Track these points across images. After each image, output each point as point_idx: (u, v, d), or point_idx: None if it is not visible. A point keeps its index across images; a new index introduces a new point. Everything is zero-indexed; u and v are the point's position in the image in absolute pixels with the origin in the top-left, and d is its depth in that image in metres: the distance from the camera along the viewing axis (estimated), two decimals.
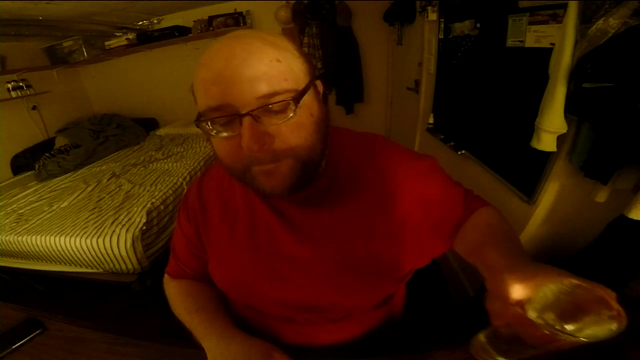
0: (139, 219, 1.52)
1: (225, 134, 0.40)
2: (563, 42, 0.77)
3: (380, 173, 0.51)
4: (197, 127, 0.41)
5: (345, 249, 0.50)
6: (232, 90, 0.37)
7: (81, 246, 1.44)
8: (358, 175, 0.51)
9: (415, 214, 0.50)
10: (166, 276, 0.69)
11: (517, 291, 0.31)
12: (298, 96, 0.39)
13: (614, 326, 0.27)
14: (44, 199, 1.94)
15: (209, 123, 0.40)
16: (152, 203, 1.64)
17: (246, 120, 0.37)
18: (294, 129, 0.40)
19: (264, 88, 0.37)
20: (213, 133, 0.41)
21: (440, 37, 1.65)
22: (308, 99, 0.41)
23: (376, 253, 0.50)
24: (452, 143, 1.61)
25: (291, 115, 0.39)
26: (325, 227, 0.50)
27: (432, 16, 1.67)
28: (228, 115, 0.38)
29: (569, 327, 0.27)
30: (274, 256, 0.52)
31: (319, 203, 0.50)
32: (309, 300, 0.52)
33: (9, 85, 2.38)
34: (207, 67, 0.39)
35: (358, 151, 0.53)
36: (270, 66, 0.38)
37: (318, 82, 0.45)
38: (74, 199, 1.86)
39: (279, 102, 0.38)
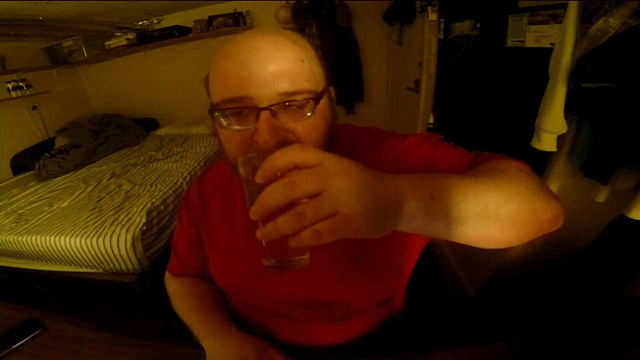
0: (139, 219, 1.52)
1: (237, 127, 0.40)
2: (563, 42, 0.77)
3: (374, 161, 0.50)
4: (210, 115, 0.41)
5: (349, 243, 0.49)
6: (254, 83, 0.37)
7: (81, 246, 1.44)
8: None
9: None
10: (167, 274, 0.71)
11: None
12: (317, 97, 0.40)
13: None
14: (44, 199, 1.94)
15: (222, 114, 0.40)
16: (152, 203, 1.64)
17: (264, 114, 0.37)
18: (309, 130, 0.41)
19: (286, 85, 0.38)
20: (225, 124, 0.40)
21: (440, 37, 1.65)
22: (323, 103, 0.43)
23: (377, 241, 0.49)
24: (452, 143, 1.60)
25: (309, 114, 0.40)
26: None
27: (432, 16, 1.67)
28: (246, 107, 0.39)
29: None
30: None
31: None
32: (307, 295, 0.52)
33: (9, 85, 2.38)
34: (231, 58, 0.39)
35: (354, 144, 0.53)
36: (295, 65, 0.39)
37: (331, 88, 0.47)
38: (74, 199, 1.86)
39: (300, 99, 0.39)
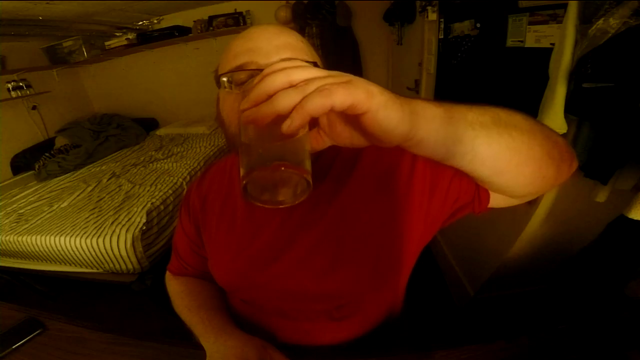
0: (139, 219, 1.52)
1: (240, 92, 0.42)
2: (563, 42, 0.77)
3: (378, 154, 0.51)
4: (216, 83, 0.45)
5: (346, 231, 0.50)
6: (260, 53, 0.42)
7: (81, 246, 1.44)
8: (358, 157, 0.52)
9: (417, 184, 0.48)
10: (168, 273, 0.71)
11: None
12: (318, 66, 0.44)
13: None
14: (44, 199, 1.94)
15: (228, 79, 0.43)
16: (152, 203, 1.64)
17: None
18: None
19: (288, 53, 0.43)
20: (228, 87, 0.44)
21: (440, 37, 1.65)
22: None
23: (379, 234, 0.49)
24: None
25: None
26: (325, 210, 0.50)
27: (432, 16, 1.67)
28: (251, 70, 0.42)
29: None
30: (274, 241, 0.52)
31: (320, 185, 0.50)
32: (303, 285, 0.51)
33: (9, 85, 2.38)
34: (240, 38, 0.45)
35: None
36: (296, 41, 0.45)
37: None
38: (74, 199, 1.86)
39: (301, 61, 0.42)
